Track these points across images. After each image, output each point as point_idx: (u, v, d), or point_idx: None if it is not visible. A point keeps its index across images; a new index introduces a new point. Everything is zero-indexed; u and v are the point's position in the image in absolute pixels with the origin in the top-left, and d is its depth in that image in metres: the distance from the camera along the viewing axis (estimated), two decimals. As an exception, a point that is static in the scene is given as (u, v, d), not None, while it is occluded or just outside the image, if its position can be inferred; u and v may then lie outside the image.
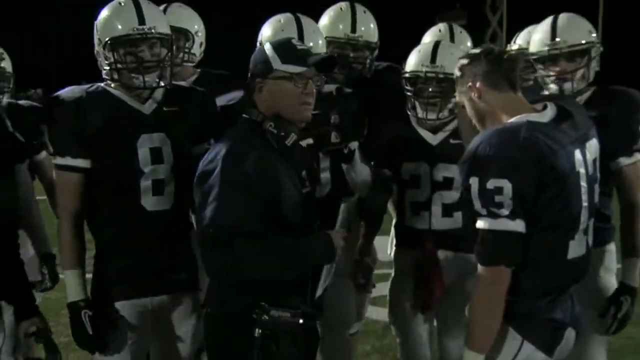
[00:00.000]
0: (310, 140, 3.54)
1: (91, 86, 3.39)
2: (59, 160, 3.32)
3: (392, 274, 4.03)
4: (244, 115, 3.04)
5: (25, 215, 3.85)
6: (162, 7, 3.99)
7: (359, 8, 4.34)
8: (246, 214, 2.79)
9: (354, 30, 4.22)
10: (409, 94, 3.83)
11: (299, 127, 3.00)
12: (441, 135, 3.81)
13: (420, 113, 3.78)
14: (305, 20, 3.87)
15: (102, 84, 3.39)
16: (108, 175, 3.31)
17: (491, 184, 2.60)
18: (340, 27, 4.22)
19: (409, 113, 3.84)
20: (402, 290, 3.89)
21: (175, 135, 3.29)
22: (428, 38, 4.64)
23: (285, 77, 2.97)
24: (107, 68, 3.35)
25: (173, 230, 3.32)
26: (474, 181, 2.64)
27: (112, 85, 3.37)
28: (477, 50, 2.90)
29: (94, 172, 3.32)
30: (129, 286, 3.31)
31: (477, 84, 2.82)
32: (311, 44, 3.70)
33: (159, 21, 3.38)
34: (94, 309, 3.27)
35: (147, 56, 3.31)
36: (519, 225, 2.61)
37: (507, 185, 2.59)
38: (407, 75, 3.84)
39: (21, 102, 4.11)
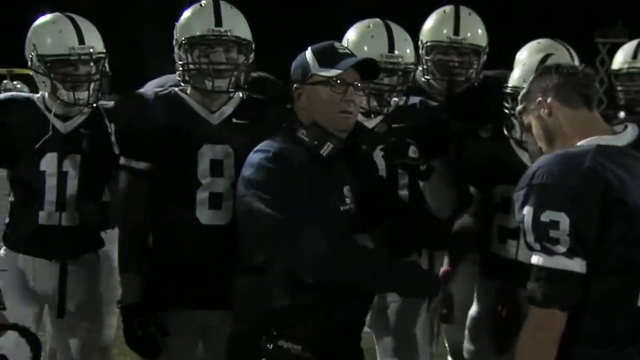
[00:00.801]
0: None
1: (164, 89, 3.35)
2: (123, 161, 3.31)
3: (474, 304, 3.72)
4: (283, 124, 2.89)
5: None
6: None
7: (464, 10, 4.05)
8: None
9: (457, 32, 3.96)
10: (507, 111, 3.52)
11: (339, 137, 2.81)
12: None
13: (518, 134, 3.46)
14: (395, 27, 3.64)
15: (176, 88, 3.33)
16: (165, 182, 3.24)
17: (546, 216, 2.29)
18: (444, 30, 3.99)
19: (506, 133, 3.53)
20: (481, 327, 3.59)
21: (240, 149, 3.12)
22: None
23: (322, 82, 2.79)
24: (180, 69, 3.28)
25: (228, 247, 3.10)
26: (527, 211, 2.34)
27: (188, 90, 3.30)
28: (547, 65, 2.61)
29: (154, 177, 3.26)
30: (179, 297, 3.21)
31: (548, 100, 2.52)
32: (397, 53, 3.53)
33: (237, 25, 3.28)
34: (144, 314, 3.20)
35: (221, 59, 3.22)
36: (577, 265, 2.28)
37: (564, 219, 2.27)
38: (508, 90, 3.53)
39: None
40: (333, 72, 2.79)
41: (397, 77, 3.56)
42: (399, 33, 3.63)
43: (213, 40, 3.22)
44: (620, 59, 4.19)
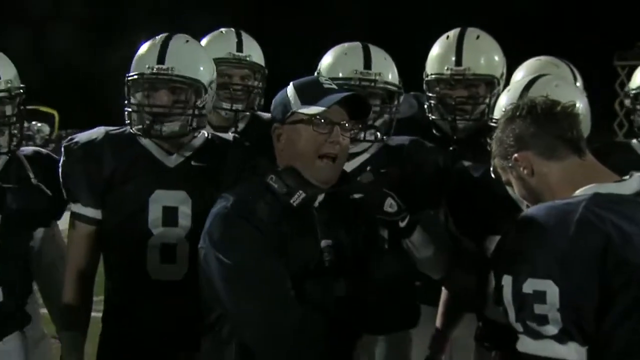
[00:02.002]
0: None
1: (117, 129, 3.02)
2: (72, 207, 2.99)
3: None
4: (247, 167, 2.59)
5: (45, 286, 3.32)
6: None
7: (471, 34, 3.57)
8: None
9: (459, 62, 3.47)
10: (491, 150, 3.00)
11: (319, 186, 2.48)
12: None
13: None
14: (375, 47, 3.21)
15: (135, 128, 2.99)
16: (114, 233, 2.91)
17: (529, 286, 1.84)
18: (445, 60, 3.50)
19: (493, 175, 3.00)
20: None
21: (199, 195, 2.79)
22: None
23: (303, 120, 2.43)
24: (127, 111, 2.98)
25: (183, 305, 2.76)
26: (506, 282, 1.88)
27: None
28: (517, 103, 2.13)
29: (104, 226, 2.94)
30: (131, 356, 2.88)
31: (527, 155, 2.06)
32: (374, 70, 3.14)
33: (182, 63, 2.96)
34: None
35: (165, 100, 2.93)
36: (573, 352, 1.80)
37: (551, 289, 1.82)
38: (492, 123, 3.00)
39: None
40: (316, 110, 2.45)
41: (379, 99, 3.15)
42: (378, 52, 3.23)
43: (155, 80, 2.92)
44: (638, 81, 3.64)
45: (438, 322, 3.31)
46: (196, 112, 2.91)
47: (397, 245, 3.01)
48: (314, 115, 2.45)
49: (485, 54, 3.53)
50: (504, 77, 3.55)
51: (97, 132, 3.01)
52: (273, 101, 2.61)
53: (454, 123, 3.49)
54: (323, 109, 2.45)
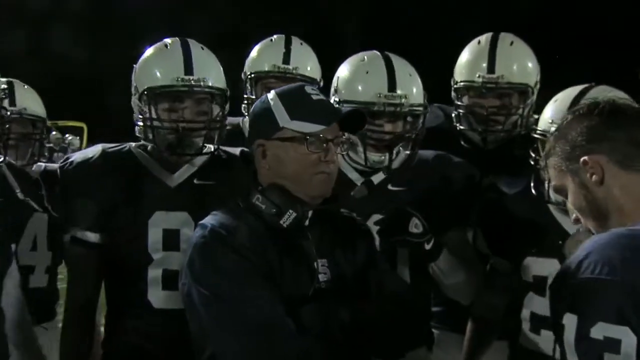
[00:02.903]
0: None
1: (116, 146, 2.79)
2: (70, 233, 2.75)
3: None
4: None
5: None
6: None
7: (505, 39, 3.29)
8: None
9: (492, 69, 3.20)
10: (533, 163, 2.75)
11: (309, 203, 2.25)
12: None
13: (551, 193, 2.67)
14: (398, 60, 2.90)
15: (133, 144, 2.79)
16: (115, 258, 2.68)
17: (599, 331, 1.54)
18: (477, 67, 3.23)
19: (533, 192, 2.75)
20: None
21: (202, 216, 2.46)
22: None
23: (295, 138, 2.20)
24: (141, 124, 2.75)
25: (186, 338, 2.42)
26: (569, 322, 1.59)
27: (149, 147, 2.75)
28: (594, 100, 1.84)
29: (104, 251, 2.71)
30: None
31: (600, 161, 1.77)
32: (399, 92, 2.79)
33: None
34: None
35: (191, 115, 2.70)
36: None
37: (628, 337, 1.52)
38: (536, 134, 2.76)
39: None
40: (311, 128, 2.21)
41: (403, 122, 2.83)
42: (402, 67, 2.88)
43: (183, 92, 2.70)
44: None
45: (464, 351, 3.04)
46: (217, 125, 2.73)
47: (420, 270, 2.76)
48: (307, 134, 2.21)
49: (519, 61, 3.26)
50: (538, 86, 3.28)
51: (94, 150, 2.80)
52: (251, 112, 2.36)
53: (485, 134, 3.23)
54: (320, 127, 2.22)
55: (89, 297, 2.77)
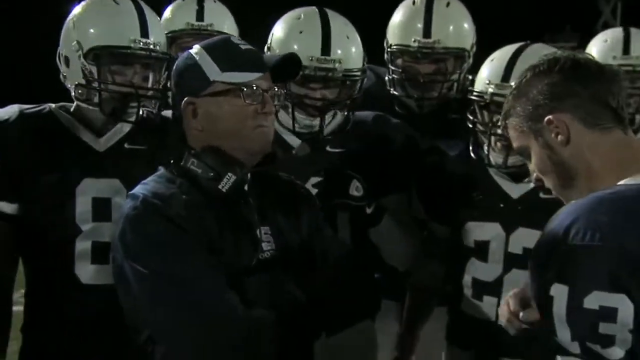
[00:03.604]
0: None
1: (34, 107, 2.53)
2: None
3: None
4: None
5: None
6: None
7: (440, 1, 3.15)
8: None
9: (427, 33, 3.07)
10: (471, 125, 2.66)
11: (247, 163, 2.10)
12: (526, 186, 2.56)
13: (493, 155, 2.59)
14: (336, 20, 2.77)
15: (53, 105, 2.53)
16: (35, 230, 2.44)
17: (593, 300, 1.46)
18: (412, 30, 3.10)
19: (472, 155, 2.67)
20: None
21: (135, 183, 2.28)
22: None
23: (228, 91, 2.06)
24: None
25: (117, 314, 2.24)
26: (559, 292, 1.50)
27: (72, 108, 2.52)
28: (555, 56, 1.76)
29: (21, 223, 2.45)
30: None
31: (564, 119, 1.69)
32: (333, 56, 2.67)
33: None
34: None
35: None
36: None
37: (624, 304, 1.44)
38: (473, 96, 2.67)
39: None
40: (245, 77, 2.07)
41: (340, 87, 2.72)
42: (339, 27, 2.75)
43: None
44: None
45: (404, 319, 2.97)
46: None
47: (360, 233, 2.66)
48: (243, 85, 2.07)
49: (455, 23, 3.15)
50: (474, 48, 3.20)
51: (9, 111, 2.53)
52: (174, 70, 2.19)
53: (422, 102, 3.13)
54: (255, 75, 2.08)
55: (4, 274, 2.54)
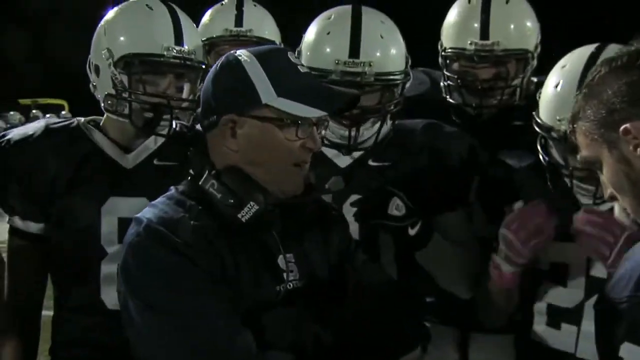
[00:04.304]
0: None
1: (61, 122, 2.45)
2: (9, 221, 2.41)
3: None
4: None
5: None
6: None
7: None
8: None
9: (485, 35, 2.79)
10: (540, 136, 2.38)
11: (279, 196, 1.87)
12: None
13: (579, 194, 2.31)
14: (370, 18, 2.52)
15: (83, 119, 2.47)
16: (61, 252, 2.38)
17: None
18: (468, 31, 2.83)
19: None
20: None
21: None
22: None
23: (281, 119, 1.83)
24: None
25: None
26: (629, 353, 1.27)
27: (101, 123, 2.42)
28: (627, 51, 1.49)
29: (47, 244, 2.34)
30: None
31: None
32: (365, 60, 2.44)
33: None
34: None
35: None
36: None
37: None
38: (540, 127, 2.35)
39: None
40: (305, 112, 1.84)
41: (379, 95, 2.48)
42: (373, 26, 2.50)
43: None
44: None
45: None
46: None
47: (407, 259, 2.40)
48: (300, 118, 1.84)
49: (517, 22, 2.86)
50: (539, 48, 2.91)
51: (35, 126, 2.44)
52: (215, 77, 1.93)
53: (480, 110, 2.86)
54: (319, 113, 1.85)
55: (32, 297, 2.43)
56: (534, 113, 2.36)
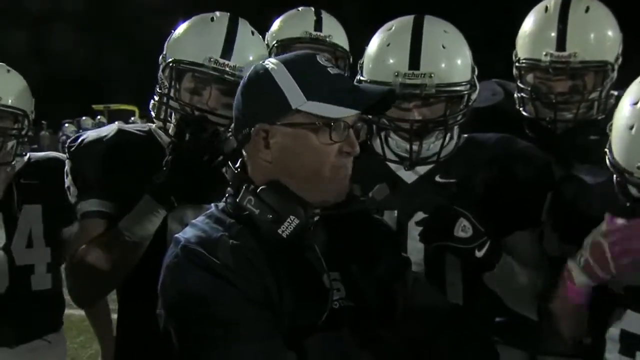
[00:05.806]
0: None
1: (134, 126, 2.59)
2: (82, 207, 2.44)
3: None
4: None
5: None
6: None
7: (577, 5, 2.71)
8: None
9: (562, 45, 2.66)
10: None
11: (320, 206, 1.80)
12: None
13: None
14: (433, 27, 2.45)
15: (153, 125, 2.52)
16: None
17: None
18: (543, 41, 2.69)
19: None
20: None
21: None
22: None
23: (313, 123, 1.76)
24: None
25: None
26: None
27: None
28: None
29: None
30: None
31: None
32: (425, 71, 2.37)
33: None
34: None
35: None
36: None
37: None
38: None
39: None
40: (336, 112, 1.76)
41: (444, 107, 2.39)
42: (435, 36, 2.42)
43: None
44: None
45: None
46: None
47: (475, 281, 2.30)
48: (332, 120, 1.75)
49: (597, 32, 2.71)
50: (620, 60, 2.76)
51: (109, 128, 2.51)
52: (246, 85, 1.87)
53: (555, 124, 2.73)
54: (351, 112, 1.77)
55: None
56: (606, 149, 2.21)
